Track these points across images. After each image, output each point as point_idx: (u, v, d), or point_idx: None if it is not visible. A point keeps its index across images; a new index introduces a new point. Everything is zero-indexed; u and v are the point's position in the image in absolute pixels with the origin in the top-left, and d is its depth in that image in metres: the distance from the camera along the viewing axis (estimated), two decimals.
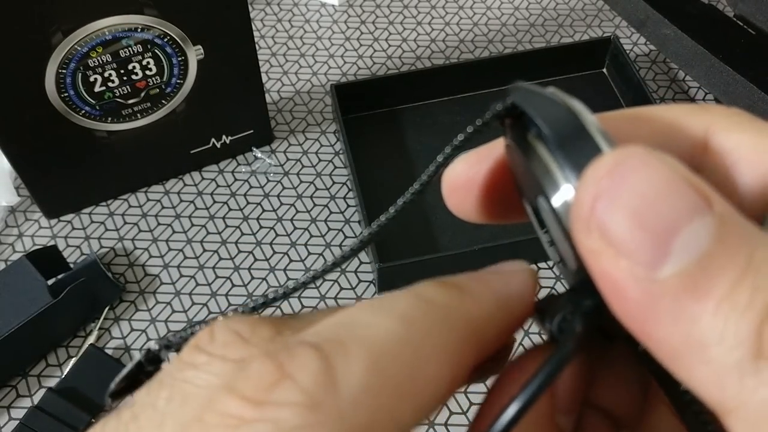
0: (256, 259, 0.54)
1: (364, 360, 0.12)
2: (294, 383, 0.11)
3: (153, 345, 0.15)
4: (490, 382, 0.16)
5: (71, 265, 0.52)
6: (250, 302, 0.15)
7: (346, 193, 0.57)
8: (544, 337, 0.15)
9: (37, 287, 0.48)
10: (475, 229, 0.54)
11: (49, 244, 0.54)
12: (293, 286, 0.16)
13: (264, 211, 0.57)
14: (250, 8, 0.62)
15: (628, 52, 0.64)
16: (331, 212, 0.56)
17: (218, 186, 0.58)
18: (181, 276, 0.53)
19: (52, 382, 0.48)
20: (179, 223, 0.56)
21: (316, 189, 0.58)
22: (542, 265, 0.53)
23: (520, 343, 0.48)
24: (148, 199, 0.57)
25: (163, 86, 0.51)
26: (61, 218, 0.56)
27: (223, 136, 0.57)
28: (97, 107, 0.50)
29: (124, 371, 0.15)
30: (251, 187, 0.58)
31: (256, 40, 0.62)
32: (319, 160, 0.59)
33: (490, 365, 0.15)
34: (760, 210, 0.14)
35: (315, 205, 0.57)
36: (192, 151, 0.57)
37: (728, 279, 0.11)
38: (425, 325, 0.13)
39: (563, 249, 0.14)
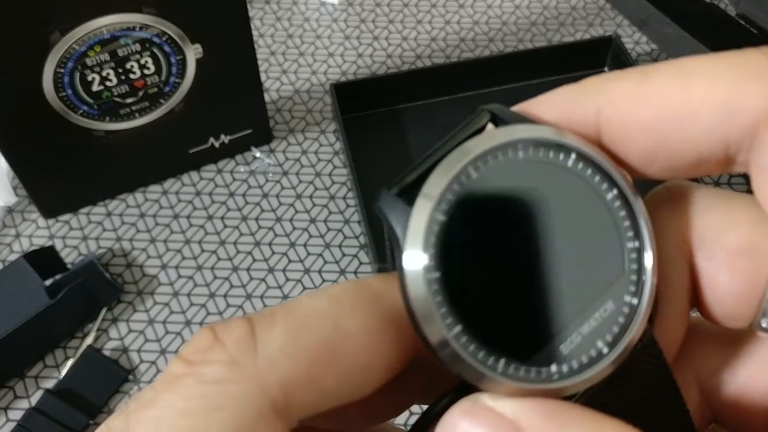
0: (254, 260, 0.54)
1: (285, 328, 0.14)
2: (222, 346, 0.14)
3: None
4: None
5: (69, 266, 0.52)
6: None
7: (346, 193, 0.57)
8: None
9: (35, 288, 0.48)
10: None
11: (46, 245, 0.54)
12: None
13: (263, 211, 0.56)
14: (249, 7, 0.61)
15: (629, 51, 0.64)
16: (330, 212, 0.56)
17: (217, 186, 0.57)
18: (180, 277, 0.53)
19: (50, 384, 0.48)
20: (177, 224, 0.56)
21: (316, 189, 0.57)
22: None
23: None
24: (146, 199, 0.57)
25: (161, 85, 0.51)
26: (59, 218, 0.56)
27: (222, 136, 0.57)
28: (95, 106, 0.50)
29: None
30: (250, 187, 0.57)
31: (254, 39, 0.62)
32: (319, 160, 0.59)
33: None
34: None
35: (314, 205, 0.56)
36: (190, 151, 0.56)
37: None
38: (350, 304, 0.14)
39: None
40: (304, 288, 0.52)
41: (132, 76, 0.49)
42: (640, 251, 0.16)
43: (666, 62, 0.15)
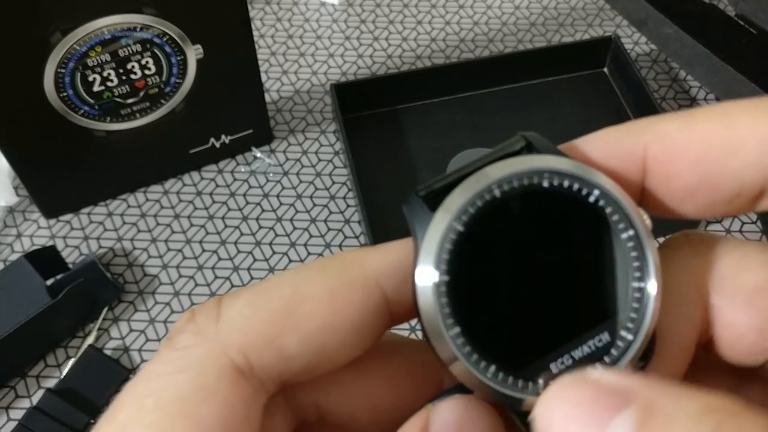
0: (255, 260, 0.54)
1: (246, 297, 0.15)
2: (194, 321, 0.15)
3: None
4: None
5: (70, 266, 0.52)
6: None
7: (346, 193, 0.57)
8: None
9: (36, 287, 0.48)
10: None
11: (47, 245, 0.54)
12: None
13: (263, 211, 0.56)
14: (249, 7, 0.61)
15: (629, 51, 0.64)
16: (330, 212, 0.56)
17: (217, 186, 0.58)
18: (180, 276, 0.53)
19: (51, 383, 0.48)
20: (178, 224, 0.56)
21: (316, 189, 0.57)
22: None
23: None
24: (147, 199, 0.57)
25: (162, 86, 0.51)
26: (60, 218, 0.56)
27: (223, 136, 0.57)
28: (96, 107, 0.50)
29: None
30: (250, 187, 0.58)
31: (255, 39, 0.62)
32: (319, 160, 0.59)
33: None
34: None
35: (315, 205, 0.57)
36: (191, 151, 0.57)
37: None
38: (312, 271, 0.16)
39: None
40: None
41: (133, 76, 0.50)
42: (644, 291, 0.16)
43: (711, 105, 0.16)
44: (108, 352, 0.49)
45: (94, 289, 0.50)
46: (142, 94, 0.51)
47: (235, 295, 0.16)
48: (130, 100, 0.51)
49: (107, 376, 0.48)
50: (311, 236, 0.55)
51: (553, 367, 0.16)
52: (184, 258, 0.54)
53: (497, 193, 0.16)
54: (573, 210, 0.17)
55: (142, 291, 0.52)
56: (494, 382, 0.16)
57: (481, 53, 0.67)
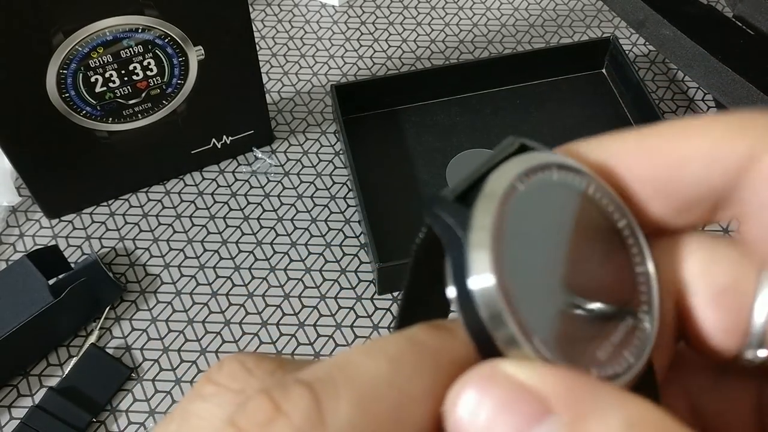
0: (256, 259, 0.54)
1: (352, 399, 0.13)
2: (287, 420, 0.13)
3: None
4: None
5: (72, 265, 0.52)
6: None
7: (346, 193, 0.58)
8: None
9: (38, 287, 0.48)
10: None
11: (50, 244, 0.54)
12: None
13: (264, 211, 0.57)
14: (250, 9, 0.62)
15: (627, 52, 0.64)
16: (331, 212, 0.56)
17: (219, 186, 0.58)
18: (182, 276, 0.53)
19: (53, 382, 0.48)
20: (180, 223, 0.56)
21: (317, 189, 0.58)
22: None
23: None
24: (149, 199, 0.57)
25: (163, 87, 0.51)
26: (62, 218, 0.56)
27: (224, 137, 0.57)
28: (98, 107, 0.50)
29: None
30: (252, 187, 0.58)
31: (256, 40, 0.62)
32: (320, 160, 0.59)
33: None
34: None
35: (315, 205, 0.57)
36: (193, 151, 0.57)
37: None
38: (413, 367, 0.14)
39: None
40: (305, 287, 0.53)
41: (135, 77, 0.50)
42: (648, 275, 0.17)
43: (670, 121, 0.16)
44: (110, 351, 0.49)
45: (96, 289, 0.50)
46: (143, 94, 0.51)
47: (333, 392, 0.13)
48: (131, 101, 0.51)
49: (109, 375, 0.48)
50: (312, 236, 0.55)
51: (600, 355, 0.16)
52: (186, 257, 0.54)
53: (521, 188, 0.16)
54: (577, 202, 0.17)
55: (144, 290, 0.53)
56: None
57: (480, 54, 0.67)
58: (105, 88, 0.49)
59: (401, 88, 0.61)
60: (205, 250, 0.55)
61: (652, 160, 0.16)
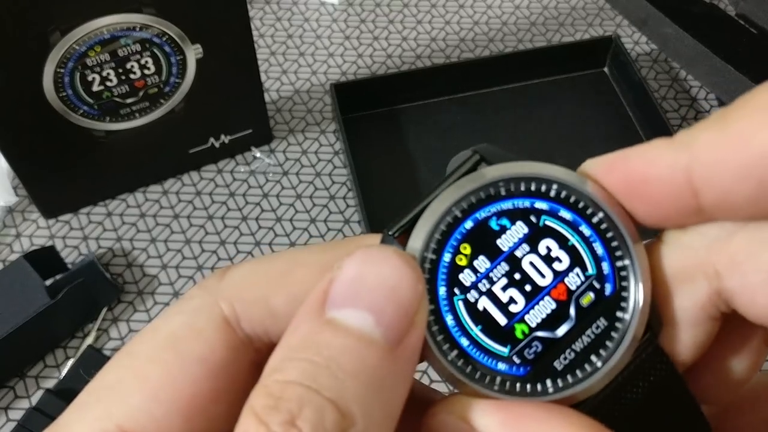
0: None
1: (249, 263, 0.18)
2: (204, 280, 0.18)
3: None
4: None
5: (69, 266, 0.52)
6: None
7: (346, 193, 0.57)
8: None
9: (35, 288, 0.48)
10: None
11: (47, 245, 0.54)
12: None
13: (263, 211, 0.56)
14: (249, 7, 0.61)
15: (629, 51, 0.64)
16: (330, 212, 0.56)
17: (217, 186, 0.58)
18: (180, 276, 0.53)
19: (50, 384, 0.48)
20: (178, 224, 0.56)
21: (316, 189, 0.57)
22: None
23: None
24: (147, 199, 0.57)
25: (161, 85, 0.51)
26: (59, 218, 0.56)
27: (222, 136, 0.57)
28: (96, 107, 0.50)
29: None
30: (250, 187, 0.57)
31: (254, 39, 0.62)
32: (319, 160, 0.59)
33: None
34: None
35: (314, 205, 0.56)
36: (190, 151, 0.57)
37: None
38: (311, 247, 0.18)
39: None
40: None
41: (132, 76, 0.50)
42: (628, 269, 0.17)
43: (741, 102, 0.15)
44: (107, 353, 0.49)
45: (94, 290, 0.50)
46: (141, 93, 0.51)
47: (243, 263, 0.18)
48: (129, 100, 0.51)
49: None
50: (311, 236, 0.55)
51: (557, 365, 0.17)
52: (184, 258, 0.54)
53: (459, 215, 0.17)
54: (538, 210, 0.17)
55: (142, 291, 0.52)
56: (504, 393, 0.16)
57: (481, 53, 0.67)
58: (102, 87, 0.49)
59: (401, 87, 0.61)
60: (203, 251, 0.54)
61: (744, 152, 0.15)
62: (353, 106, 0.60)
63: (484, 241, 0.17)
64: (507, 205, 0.17)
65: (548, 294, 0.17)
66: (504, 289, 0.17)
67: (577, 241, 0.17)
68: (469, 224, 0.17)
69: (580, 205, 0.17)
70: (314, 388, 0.14)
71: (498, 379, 0.16)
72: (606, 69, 0.64)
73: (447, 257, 0.17)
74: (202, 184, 0.58)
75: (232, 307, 0.17)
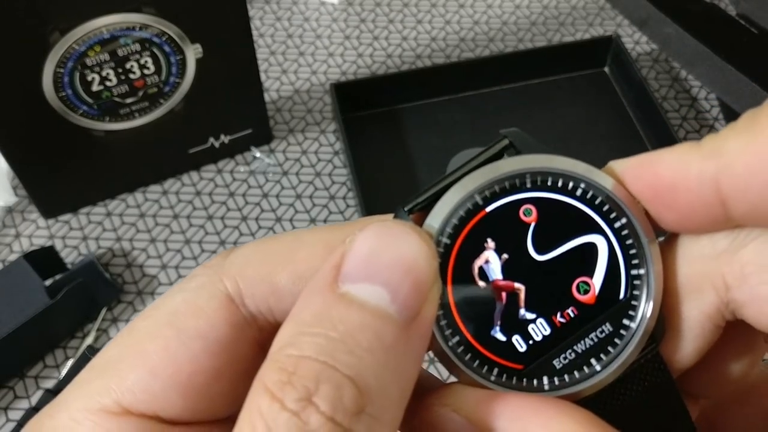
0: None
1: (254, 242, 0.18)
2: (210, 260, 0.18)
3: None
4: None
5: (69, 266, 0.52)
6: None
7: (346, 193, 0.57)
8: None
9: (35, 288, 0.48)
10: None
11: (46, 245, 0.54)
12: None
13: (263, 211, 0.56)
14: (248, 7, 0.61)
15: (629, 51, 0.64)
16: (330, 212, 0.56)
17: (217, 186, 0.57)
18: (180, 276, 0.53)
19: (50, 384, 0.48)
20: (177, 224, 0.55)
21: (316, 189, 0.57)
22: None
23: None
24: (146, 199, 0.57)
25: (161, 85, 0.51)
26: (59, 218, 0.56)
27: (222, 136, 0.57)
28: (95, 106, 0.50)
29: None
30: (250, 187, 0.57)
31: (254, 39, 0.62)
32: (319, 160, 0.59)
33: None
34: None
35: (314, 205, 0.56)
36: (190, 151, 0.56)
37: None
38: (316, 228, 0.18)
39: None
40: None
41: (132, 76, 0.49)
42: (642, 278, 0.17)
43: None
44: None
45: (93, 290, 0.50)
46: (141, 93, 0.51)
47: (247, 243, 0.18)
48: (129, 100, 0.51)
49: None
50: None
51: (557, 363, 0.17)
52: (183, 258, 0.54)
53: (480, 202, 0.17)
54: (560, 206, 0.17)
55: (141, 291, 0.52)
56: (501, 385, 0.16)
57: (481, 53, 0.66)
58: (102, 87, 0.49)
59: (401, 87, 0.60)
60: (203, 251, 0.54)
61: None
62: (353, 106, 0.59)
63: (501, 231, 0.17)
64: (530, 197, 0.17)
65: (559, 292, 0.17)
66: (514, 280, 0.17)
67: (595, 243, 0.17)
68: (488, 212, 0.17)
69: (605, 208, 0.17)
70: (331, 364, 0.14)
71: (496, 370, 0.16)
72: (606, 69, 0.64)
73: (461, 242, 0.17)
74: (202, 184, 0.58)
75: (236, 285, 0.17)
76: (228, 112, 0.55)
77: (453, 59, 0.66)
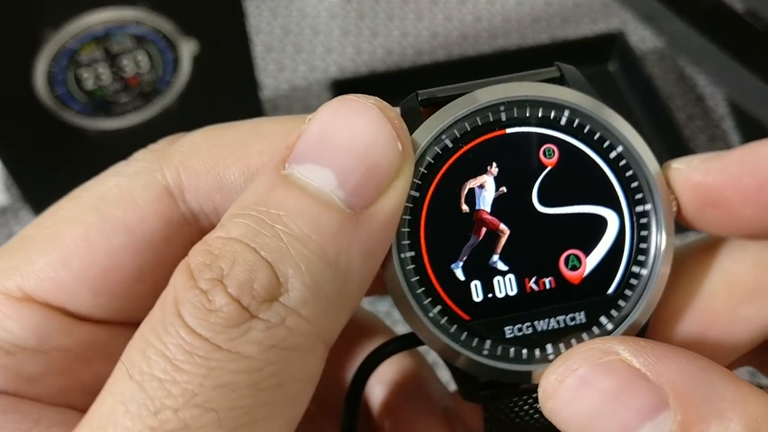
0: None
1: (205, 129, 0.17)
2: (155, 143, 0.18)
3: None
4: None
5: None
6: None
7: None
8: None
9: None
10: None
11: None
12: None
13: None
14: (245, 2, 0.60)
15: (634, 47, 0.63)
16: None
17: None
18: None
19: None
20: None
21: None
22: None
23: None
24: None
25: (155, 83, 0.50)
26: None
27: None
28: (89, 105, 0.49)
29: None
30: None
31: (251, 35, 0.61)
32: None
33: None
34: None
35: None
36: None
37: None
38: (274, 118, 0.16)
39: None
40: None
41: (126, 73, 0.49)
42: (642, 279, 0.15)
43: None
44: None
45: None
46: (135, 91, 0.50)
47: (199, 130, 0.16)
48: (123, 98, 0.50)
49: None
50: None
51: (508, 331, 0.15)
52: None
53: (502, 117, 0.15)
54: (586, 162, 0.15)
55: None
56: (435, 325, 0.14)
57: (482, 49, 0.66)
58: (96, 86, 0.48)
59: (402, 84, 0.59)
60: None
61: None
62: None
63: (511, 160, 0.15)
64: (558, 138, 0.15)
65: (545, 255, 0.15)
66: (501, 220, 0.15)
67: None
68: (507, 134, 0.15)
69: (633, 184, 0.15)
70: (252, 246, 0.13)
71: (438, 307, 0.14)
72: (611, 65, 0.63)
73: (462, 153, 0.15)
74: None
75: (178, 176, 0.15)
76: (224, 110, 0.54)
77: (454, 56, 0.65)
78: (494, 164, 0.15)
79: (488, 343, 0.14)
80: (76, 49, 0.46)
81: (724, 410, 0.12)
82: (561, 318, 0.15)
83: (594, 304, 0.15)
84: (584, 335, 0.15)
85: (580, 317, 0.15)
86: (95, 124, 0.50)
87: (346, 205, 0.13)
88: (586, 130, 0.15)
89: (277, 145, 0.15)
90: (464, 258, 0.15)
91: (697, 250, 0.16)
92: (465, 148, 0.15)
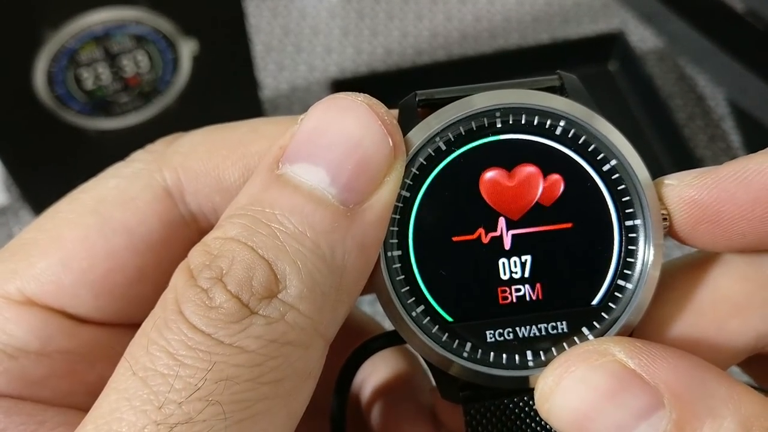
0: None
1: (204, 130, 0.17)
2: (153, 144, 0.17)
3: None
4: None
5: None
6: None
7: None
8: None
9: None
10: None
11: None
12: None
13: None
14: (244, 2, 0.60)
15: (634, 47, 0.63)
16: None
17: None
18: None
19: None
20: None
21: None
22: None
23: None
24: None
25: (155, 83, 0.50)
26: None
27: None
28: (89, 105, 0.49)
29: None
30: None
31: (250, 35, 0.61)
32: None
33: None
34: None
35: None
36: None
37: None
38: (274, 119, 0.16)
39: None
40: None
41: (125, 73, 0.49)
42: (626, 292, 0.15)
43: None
44: None
45: None
46: (135, 91, 0.50)
47: (198, 130, 0.16)
48: (123, 98, 0.50)
49: None
50: None
51: (489, 335, 0.15)
52: None
53: (486, 123, 0.15)
54: (571, 169, 0.15)
55: None
56: (417, 325, 0.15)
57: (483, 48, 0.66)
58: (95, 86, 0.48)
59: (402, 84, 0.59)
60: None
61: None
62: None
63: (502, 162, 0.15)
64: (550, 146, 0.15)
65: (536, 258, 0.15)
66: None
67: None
68: (502, 140, 0.15)
69: (625, 198, 0.15)
70: (250, 245, 0.13)
71: (422, 307, 0.15)
72: (611, 65, 0.63)
73: (452, 159, 0.15)
74: None
75: (177, 177, 0.15)
76: (223, 109, 0.54)
77: (454, 56, 0.65)
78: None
79: (469, 345, 0.15)
80: (76, 49, 0.46)
81: (717, 408, 0.12)
82: (543, 326, 0.15)
83: (577, 314, 0.15)
84: (565, 344, 0.15)
85: (562, 327, 0.15)
86: (95, 124, 0.50)
87: (339, 201, 0.13)
88: (580, 141, 0.15)
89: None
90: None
91: (684, 265, 0.16)
92: (458, 151, 0.15)
